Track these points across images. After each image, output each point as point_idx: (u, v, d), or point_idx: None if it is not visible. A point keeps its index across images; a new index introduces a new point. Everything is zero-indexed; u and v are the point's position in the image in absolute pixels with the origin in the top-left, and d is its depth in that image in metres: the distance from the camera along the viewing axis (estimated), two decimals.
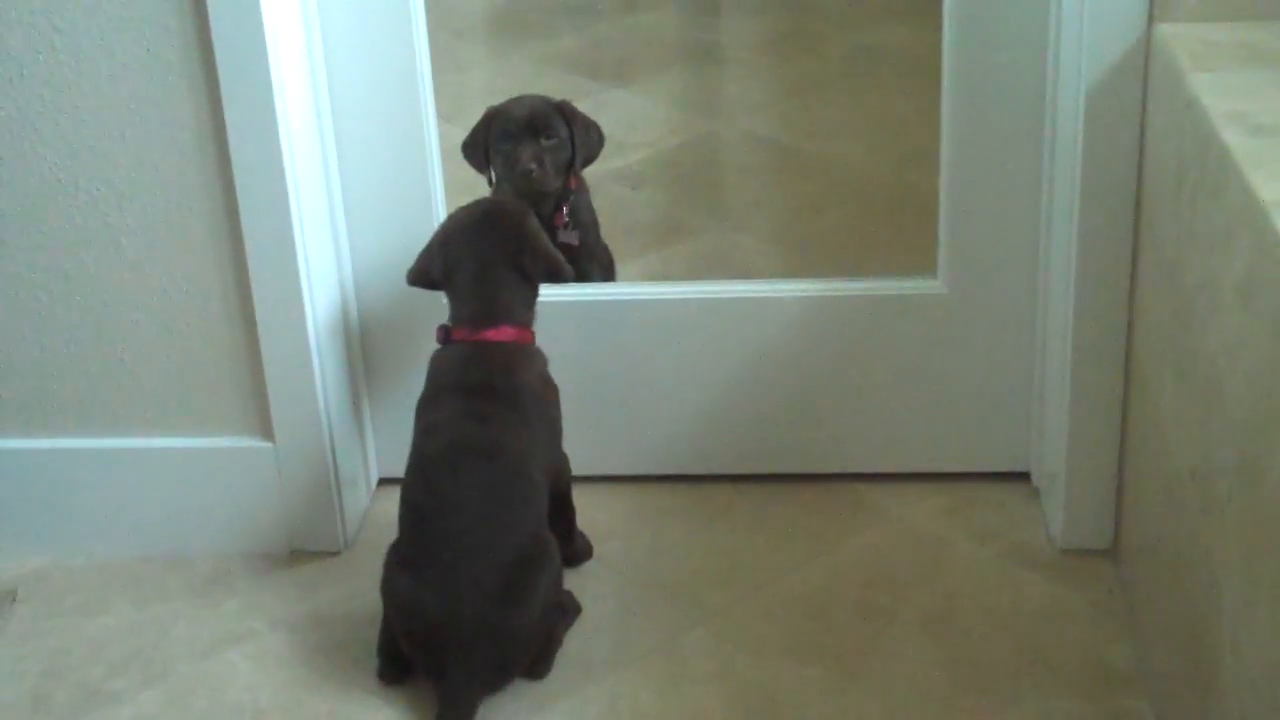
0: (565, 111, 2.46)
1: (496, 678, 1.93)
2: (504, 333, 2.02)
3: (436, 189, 2.23)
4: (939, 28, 2.09)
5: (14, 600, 2.21)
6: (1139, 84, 1.89)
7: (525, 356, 2.05)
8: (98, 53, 2.02)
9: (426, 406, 2.02)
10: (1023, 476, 2.29)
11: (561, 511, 2.11)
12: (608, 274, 2.62)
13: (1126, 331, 2.02)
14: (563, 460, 2.11)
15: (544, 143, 2.43)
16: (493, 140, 2.45)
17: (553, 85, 3.55)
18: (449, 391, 2.00)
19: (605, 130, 2.54)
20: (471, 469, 1.93)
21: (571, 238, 2.49)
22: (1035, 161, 2.09)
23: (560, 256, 2.08)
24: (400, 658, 1.98)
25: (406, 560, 1.93)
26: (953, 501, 2.27)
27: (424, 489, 1.95)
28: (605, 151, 2.54)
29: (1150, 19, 1.86)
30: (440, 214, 2.22)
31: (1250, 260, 1.45)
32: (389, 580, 1.95)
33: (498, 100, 2.50)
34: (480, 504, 1.91)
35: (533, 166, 2.40)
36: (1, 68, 2.04)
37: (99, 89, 2.04)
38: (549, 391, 2.06)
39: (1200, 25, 1.83)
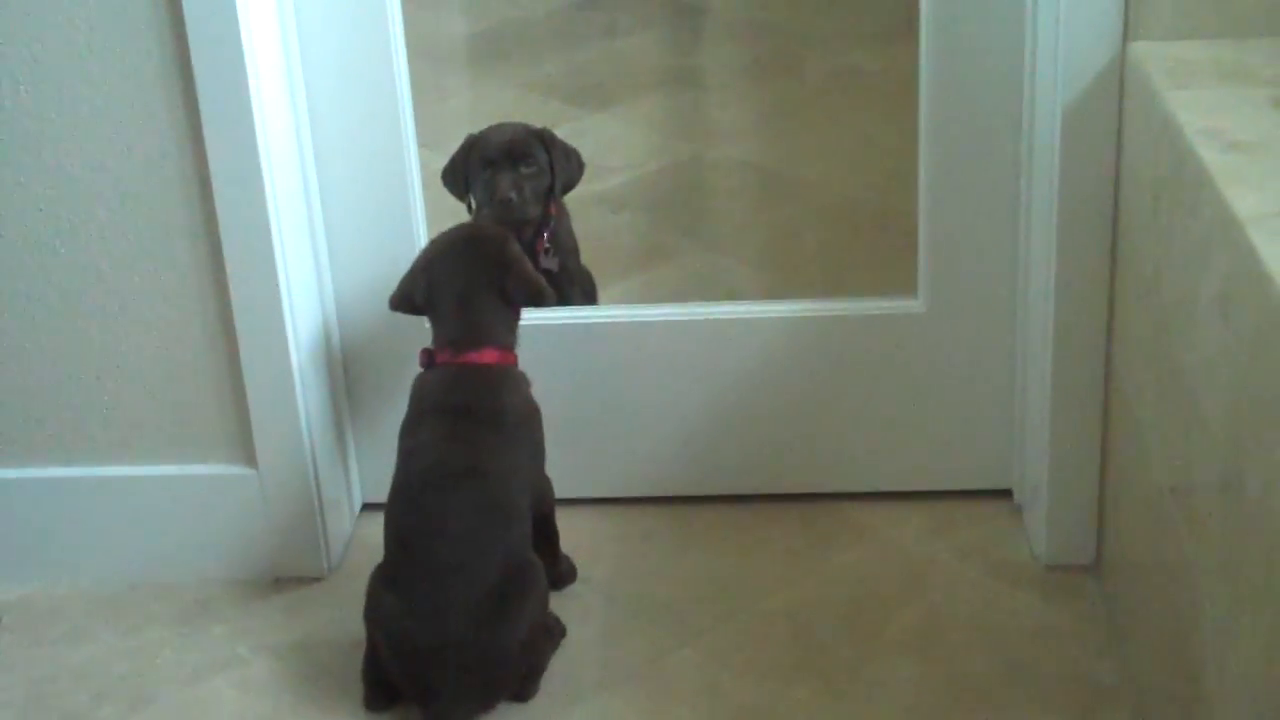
0: (545, 139, 2.47)
1: (483, 701, 1.93)
2: (487, 355, 2.03)
3: (418, 215, 2.23)
4: (916, 51, 2.10)
5: None
6: (1115, 102, 1.91)
7: (509, 379, 2.05)
8: (79, 85, 2.03)
9: (409, 429, 2.03)
10: (1005, 494, 2.30)
11: (545, 534, 2.11)
12: (589, 297, 2.62)
13: (1106, 347, 2.03)
14: (546, 483, 2.11)
15: (523, 170, 2.44)
16: (472, 168, 2.45)
17: (534, 110, 3.58)
18: (432, 414, 2.01)
19: (586, 155, 2.55)
20: (456, 491, 1.93)
21: (552, 263, 2.49)
22: (1013, 180, 2.10)
23: (542, 280, 2.09)
24: (386, 684, 1.97)
25: (392, 584, 1.93)
26: (935, 519, 2.28)
27: (408, 512, 1.95)
28: (586, 175, 2.55)
29: (1125, 37, 1.88)
30: (422, 240, 2.23)
31: (1227, 275, 1.46)
32: (374, 605, 1.95)
33: (479, 127, 2.51)
34: (465, 526, 1.91)
35: (512, 195, 2.40)
36: None
37: (80, 121, 2.04)
38: (532, 414, 2.07)
39: (1175, 44, 1.85)
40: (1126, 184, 1.91)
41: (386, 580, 1.94)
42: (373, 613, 1.95)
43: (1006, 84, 2.05)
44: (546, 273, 2.41)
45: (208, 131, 2.02)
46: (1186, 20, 1.85)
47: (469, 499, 1.93)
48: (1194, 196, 1.57)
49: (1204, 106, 1.68)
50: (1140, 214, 1.84)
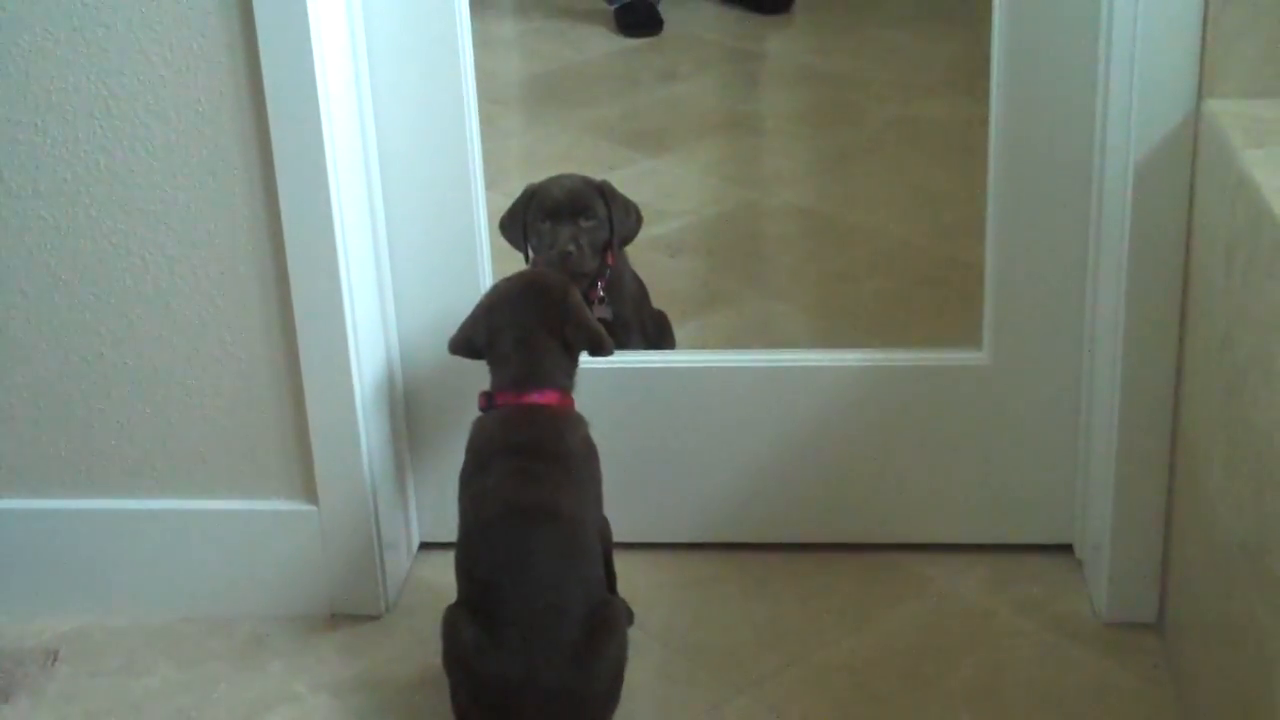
0: (605, 192, 2.47)
1: None
2: (548, 396, 2.04)
3: (483, 258, 2.25)
4: (975, 101, 2.11)
5: (55, 660, 2.22)
6: (1188, 159, 1.90)
7: (569, 420, 2.06)
8: (152, 120, 2.05)
9: (474, 473, 2.02)
10: (1065, 549, 2.28)
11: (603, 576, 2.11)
12: (665, 337, 2.63)
13: (1173, 405, 2.02)
14: (605, 523, 2.11)
15: (583, 224, 2.43)
16: (531, 218, 2.45)
17: (591, 153, 3.59)
18: (497, 455, 2.01)
19: (644, 199, 2.55)
20: (534, 530, 1.93)
21: (606, 312, 2.49)
22: (1081, 234, 2.10)
23: (602, 330, 2.09)
24: None
25: (471, 627, 1.92)
26: (996, 573, 2.27)
27: (485, 557, 1.94)
28: (644, 219, 2.56)
29: (1200, 95, 1.88)
30: (486, 282, 2.24)
31: None
32: (454, 647, 1.93)
33: (537, 168, 2.51)
34: (548, 566, 1.91)
35: (571, 248, 2.40)
36: (59, 132, 2.07)
37: (153, 155, 2.07)
38: (592, 455, 2.07)
39: (1250, 101, 1.85)
40: (1198, 242, 1.91)
41: (464, 623, 1.93)
42: (453, 656, 1.94)
43: (1078, 138, 2.05)
44: (602, 321, 2.41)
45: (279, 168, 2.03)
46: (1262, 78, 1.85)
47: (548, 538, 1.93)
48: (1271, 258, 1.57)
49: None
50: (1213, 273, 1.83)
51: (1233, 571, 1.72)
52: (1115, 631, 2.14)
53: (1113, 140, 1.99)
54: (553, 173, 2.51)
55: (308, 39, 1.96)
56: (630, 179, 2.57)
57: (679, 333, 2.70)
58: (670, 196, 3.37)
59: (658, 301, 2.67)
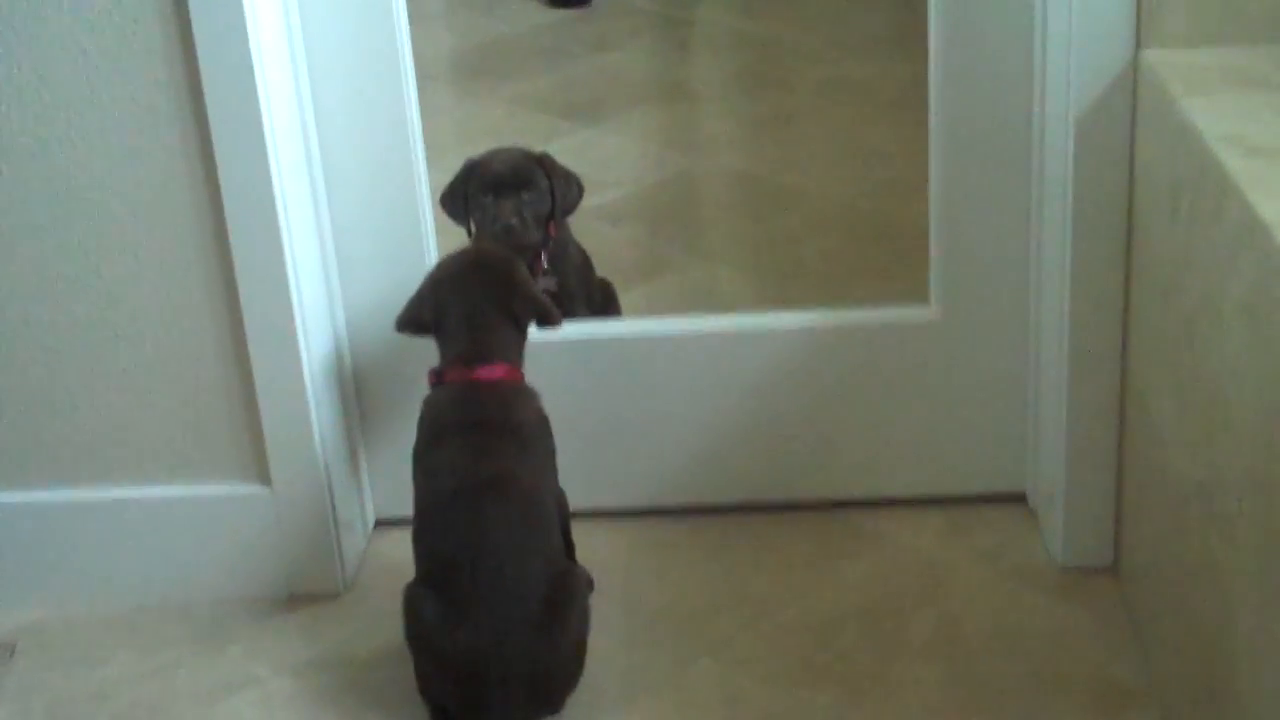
0: (545, 164, 2.47)
1: (539, 710, 1.94)
2: (497, 370, 2.04)
3: (428, 233, 2.24)
4: (905, 61, 2.13)
5: (13, 653, 2.20)
6: (1128, 110, 1.92)
7: (521, 393, 2.06)
8: (85, 104, 2.02)
9: (428, 449, 2.02)
10: (1019, 498, 2.31)
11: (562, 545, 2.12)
12: (610, 305, 2.64)
13: (1121, 352, 2.04)
14: (561, 494, 2.12)
15: (524, 197, 2.44)
16: (472, 193, 2.44)
17: (525, 126, 3.58)
18: (450, 431, 2.01)
19: (581, 169, 2.55)
20: (490, 504, 1.93)
21: (551, 283, 2.50)
22: (1024, 187, 2.12)
23: (549, 302, 2.10)
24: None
25: (432, 603, 1.92)
26: (951, 524, 2.29)
27: (444, 532, 1.94)
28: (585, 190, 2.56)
29: (1137, 45, 1.90)
30: (432, 258, 2.23)
31: (1254, 280, 1.48)
32: (419, 629, 1.94)
33: (471, 143, 2.50)
34: (505, 538, 1.91)
35: (514, 221, 2.41)
36: None
37: (88, 139, 2.04)
38: (545, 426, 2.08)
39: (1187, 50, 1.87)
40: (1141, 191, 1.93)
41: (425, 600, 1.93)
42: (416, 633, 1.94)
43: (1017, 92, 2.07)
44: (546, 292, 2.41)
45: (218, 149, 2.01)
46: (1198, 27, 1.87)
47: (504, 510, 1.93)
48: (1217, 203, 1.59)
49: (1221, 112, 1.70)
50: (1157, 220, 1.86)
51: (1187, 512, 1.74)
52: (1071, 576, 2.17)
53: (1052, 93, 2.01)
54: (488, 147, 2.51)
55: (242, 20, 1.94)
56: (567, 150, 2.57)
57: (624, 300, 2.70)
58: (608, 166, 3.37)
59: (601, 270, 2.68)
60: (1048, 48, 1.99)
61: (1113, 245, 1.99)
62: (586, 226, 2.71)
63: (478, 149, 2.50)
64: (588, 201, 2.58)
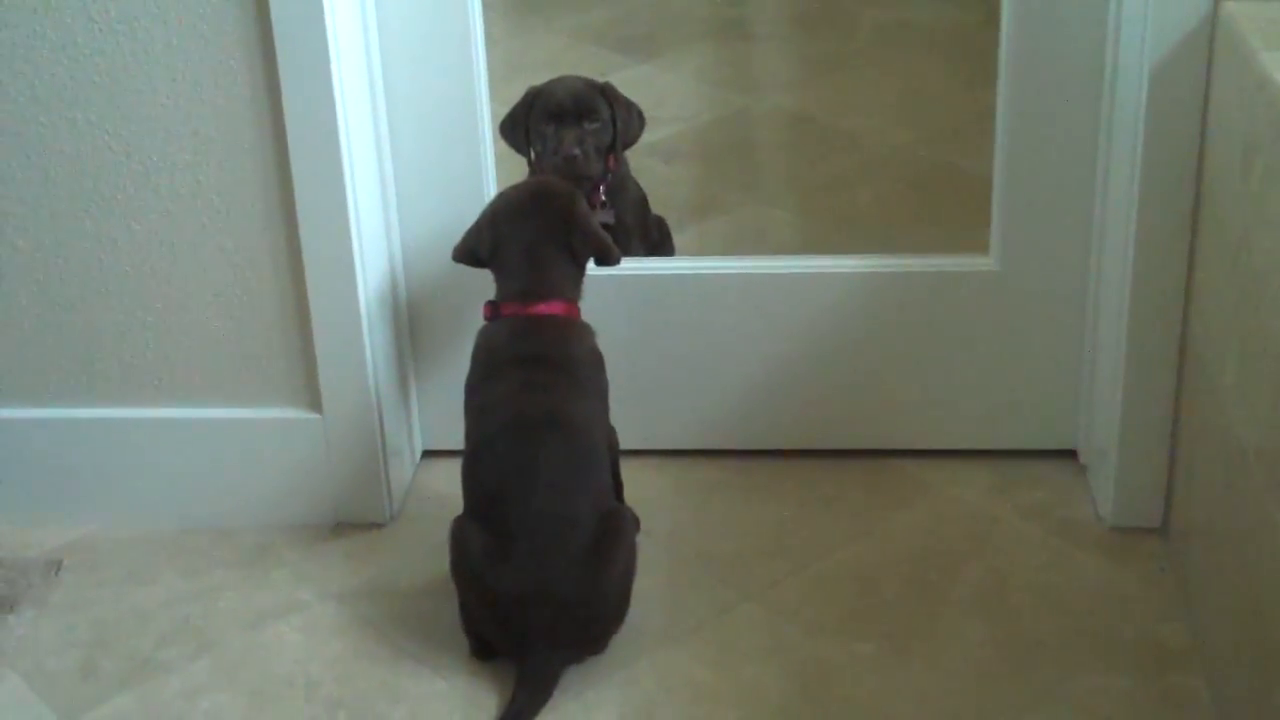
0: (608, 94, 2.45)
1: (580, 650, 1.94)
2: (555, 306, 2.03)
3: (487, 165, 2.22)
4: (964, 6, 2.08)
5: (59, 569, 2.21)
6: (1203, 62, 1.89)
7: (576, 330, 2.05)
8: (152, 23, 2.01)
9: (482, 383, 2.02)
10: (1068, 454, 2.29)
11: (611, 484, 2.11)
12: (665, 243, 2.62)
13: (1183, 309, 2.02)
14: (612, 432, 2.11)
15: (586, 126, 2.41)
16: (534, 121, 2.42)
17: (582, 59, 3.55)
18: (505, 365, 2.00)
19: (638, 105, 2.53)
20: (542, 440, 1.92)
21: (608, 216, 2.48)
22: (1091, 139, 2.09)
23: (609, 240, 2.08)
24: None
25: (480, 538, 1.92)
26: (1000, 478, 2.28)
27: (495, 466, 1.94)
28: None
29: None
30: (491, 190, 2.22)
31: None
32: (465, 563, 1.94)
33: (527, 76, 2.48)
34: (555, 475, 1.91)
35: (576, 151, 2.38)
36: (55, 36, 2.03)
37: (153, 59, 2.03)
38: (599, 362, 2.07)
39: (1269, 4, 1.83)
40: (1213, 146, 1.90)
41: (473, 534, 1.93)
42: (462, 567, 1.94)
43: (1090, 42, 2.03)
44: (604, 225, 2.39)
45: (283, 74, 2.00)
46: None
47: (556, 447, 1.92)
48: None
49: None
50: (1228, 177, 1.83)
51: (1246, 476, 1.72)
52: (1119, 536, 2.15)
53: (1127, 41, 1.97)
54: (544, 79, 2.48)
55: None
56: (622, 85, 2.53)
57: (678, 239, 2.69)
58: (662, 103, 3.34)
59: (655, 208, 2.66)
60: None
61: (1181, 201, 1.97)
62: (640, 163, 2.69)
63: (533, 81, 2.47)
64: (642, 138, 2.55)
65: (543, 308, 2.02)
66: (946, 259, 2.24)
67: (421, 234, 2.24)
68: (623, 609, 1.98)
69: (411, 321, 2.31)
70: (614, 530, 1.95)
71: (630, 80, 3.39)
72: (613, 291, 2.24)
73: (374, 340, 2.18)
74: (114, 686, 2.00)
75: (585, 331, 2.06)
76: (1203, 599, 1.95)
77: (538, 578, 1.89)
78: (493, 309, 2.05)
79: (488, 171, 2.22)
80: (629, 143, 2.49)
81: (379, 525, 2.26)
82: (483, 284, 2.08)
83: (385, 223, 2.21)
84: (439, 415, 2.33)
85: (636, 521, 2.18)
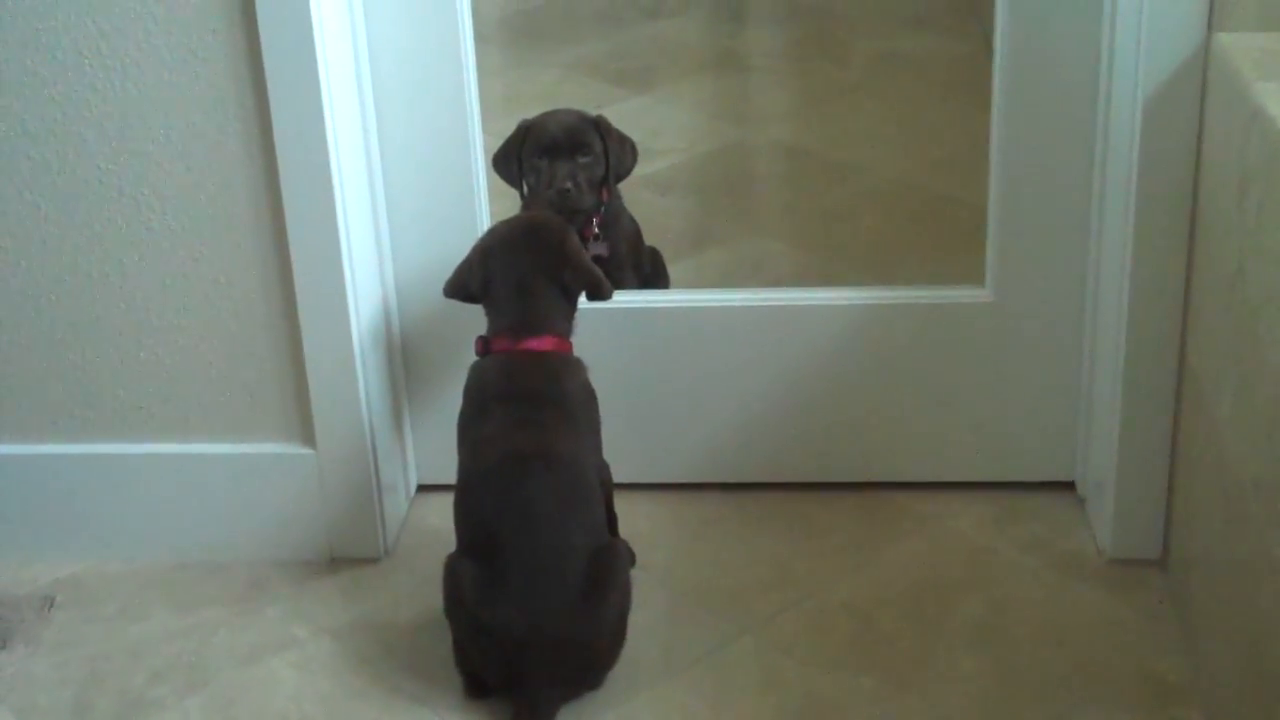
0: (600, 127, 2.44)
1: (575, 687, 1.93)
2: (545, 342, 2.02)
3: (480, 198, 2.22)
4: (959, 37, 2.08)
5: (52, 606, 2.20)
6: (1197, 93, 1.89)
7: (568, 364, 2.04)
8: (143, 57, 2.01)
9: (474, 420, 2.01)
10: (1066, 486, 2.28)
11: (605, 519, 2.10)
12: (660, 275, 2.61)
13: (1180, 341, 2.01)
14: (605, 467, 2.10)
15: (579, 159, 2.41)
16: (526, 155, 2.41)
17: (577, 92, 3.56)
18: (496, 401, 1.99)
19: (632, 137, 2.52)
20: (535, 476, 1.92)
21: (602, 249, 2.47)
22: (1086, 170, 2.08)
23: (600, 274, 2.07)
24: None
25: (479, 577, 1.91)
26: (997, 511, 2.27)
27: (487, 503, 1.93)
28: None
29: (1210, 28, 1.86)
30: (484, 222, 2.21)
31: None
32: (459, 601, 1.92)
33: (522, 108, 2.47)
34: (549, 511, 1.90)
35: (569, 185, 2.37)
36: (48, 71, 2.03)
37: (145, 93, 2.03)
38: (591, 399, 2.06)
39: (1261, 35, 1.83)
40: (1208, 177, 1.89)
41: (466, 571, 1.92)
42: (455, 605, 1.93)
43: (1084, 73, 2.03)
44: (597, 258, 2.39)
45: (274, 107, 2.00)
46: (1273, 11, 1.83)
47: (549, 483, 1.91)
48: None
49: None
50: (1224, 207, 1.82)
51: (1244, 508, 1.71)
52: (1118, 568, 2.14)
53: (1120, 73, 1.97)
54: (539, 112, 2.48)
55: None
56: (617, 117, 2.53)
57: (672, 272, 2.68)
58: (658, 135, 3.34)
59: (648, 240, 2.65)
60: (1117, 27, 1.96)
61: (1176, 232, 1.96)
62: (635, 195, 2.69)
63: (528, 114, 2.47)
64: (636, 170, 2.55)
65: (534, 343, 2.01)
66: (942, 290, 2.23)
67: (414, 268, 2.23)
68: (618, 644, 1.97)
69: (405, 356, 2.30)
70: (608, 565, 1.94)
71: (626, 112, 3.40)
72: (607, 325, 2.23)
73: (367, 375, 2.17)
74: None
75: (577, 366, 2.06)
76: (1202, 632, 1.93)
77: (532, 614, 1.88)
78: (484, 344, 2.04)
79: (481, 206, 2.22)
80: (622, 176, 2.49)
81: (373, 560, 2.25)
82: (476, 318, 2.08)
83: (378, 257, 2.20)
84: (433, 450, 2.32)
85: (632, 556, 2.17)
